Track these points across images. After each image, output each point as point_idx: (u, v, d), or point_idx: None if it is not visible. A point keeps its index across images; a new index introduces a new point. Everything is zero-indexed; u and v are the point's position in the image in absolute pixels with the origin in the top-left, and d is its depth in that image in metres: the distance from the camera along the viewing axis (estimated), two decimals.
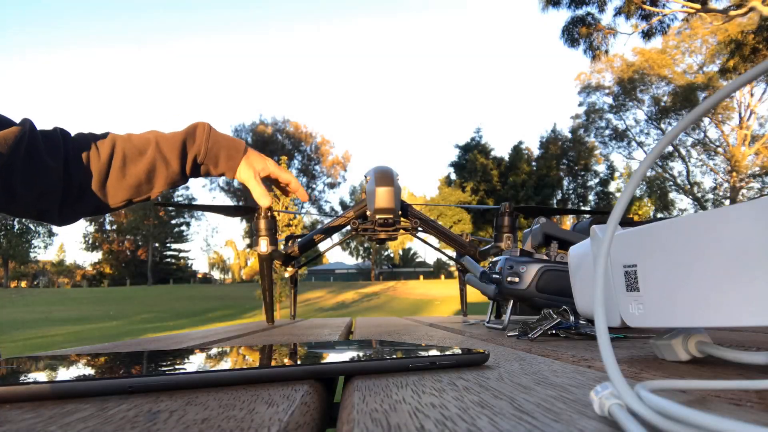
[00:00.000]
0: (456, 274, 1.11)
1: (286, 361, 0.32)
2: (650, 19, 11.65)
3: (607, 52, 12.86)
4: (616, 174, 31.23)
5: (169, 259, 40.98)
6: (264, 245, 0.89)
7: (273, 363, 0.32)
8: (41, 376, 0.26)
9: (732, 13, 10.30)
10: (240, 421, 0.19)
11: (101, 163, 0.67)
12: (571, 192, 32.99)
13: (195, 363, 0.31)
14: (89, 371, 0.29)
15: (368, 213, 0.93)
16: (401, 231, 0.96)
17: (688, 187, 27.15)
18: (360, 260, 40.48)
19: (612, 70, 27.36)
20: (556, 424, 0.17)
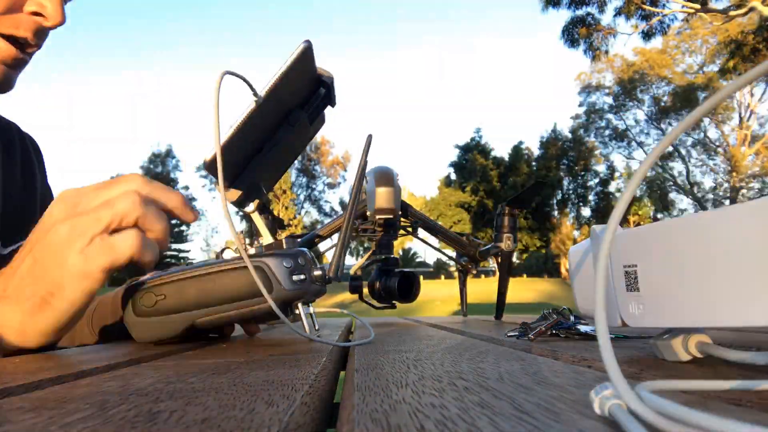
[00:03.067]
0: (456, 274, 1.11)
1: None
2: (650, 20, 11.67)
3: (607, 52, 12.88)
4: (616, 174, 31.24)
5: (169, 259, 40.98)
6: None
7: None
8: None
9: (732, 13, 10.31)
10: (240, 421, 0.19)
11: None
12: (571, 192, 32.99)
13: None
14: None
15: (368, 213, 0.93)
16: (401, 231, 0.96)
17: (688, 187, 27.16)
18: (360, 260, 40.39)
19: (612, 70, 27.37)
20: (556, 424, 0.17)
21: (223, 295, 0.46)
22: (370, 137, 0.55)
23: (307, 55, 0.46)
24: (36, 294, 0.41)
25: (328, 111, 0.58)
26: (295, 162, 0.57)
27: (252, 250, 0.50)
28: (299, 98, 0.51)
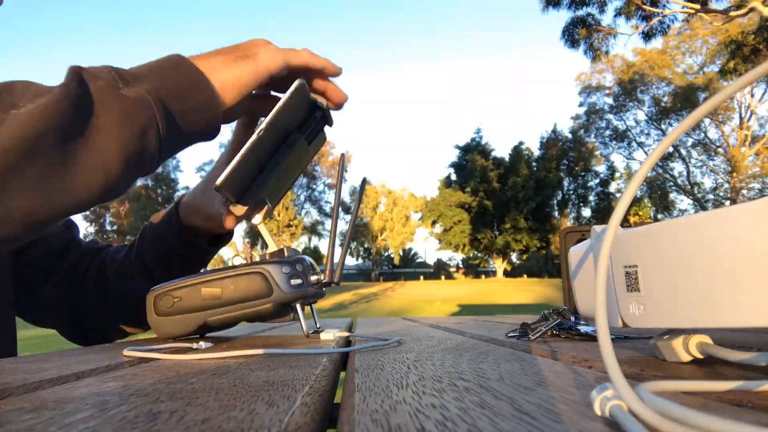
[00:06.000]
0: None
1: None
2: (650, 20, 11.66)
3: (607, 52, 12.86)
4: (617, 175, 31.21)
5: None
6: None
7: None
8: None
9: (732, 13, 10.30)
10: (240, 421, 0.19)
11: None
12: (571, 193, 32.96)
13: None
14: None
15: None
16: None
17: (689, 187, 27.16)
18: (360, 261, 40.40)
19: (612, 71, 27.36)
20: (556, 425, 0.17)
21: (231, 298, 0.52)
22: (364, 180, 0.64)
23: (300, 91, 0.52)
24: (234, 53, 0.51)
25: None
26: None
27: (257, 257, 0.56)
28: (296, 123, 0.57)
